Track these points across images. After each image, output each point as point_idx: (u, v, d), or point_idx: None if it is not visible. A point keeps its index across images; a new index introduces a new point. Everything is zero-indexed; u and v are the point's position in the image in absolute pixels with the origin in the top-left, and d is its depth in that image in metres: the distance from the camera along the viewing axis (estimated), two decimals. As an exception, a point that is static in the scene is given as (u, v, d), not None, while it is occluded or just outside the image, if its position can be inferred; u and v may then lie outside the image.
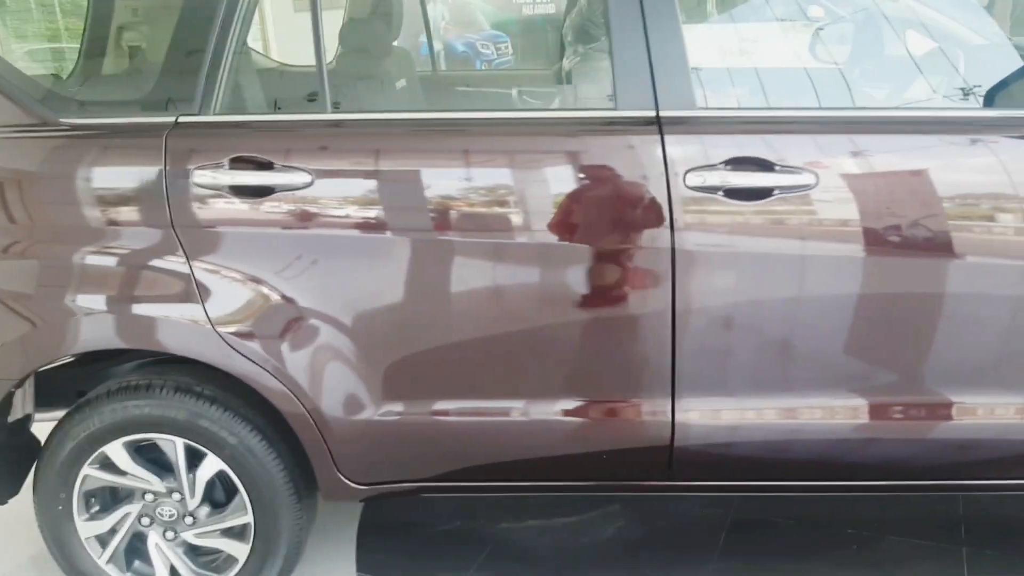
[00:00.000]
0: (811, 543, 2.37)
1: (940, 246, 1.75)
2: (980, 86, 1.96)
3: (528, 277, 1.85)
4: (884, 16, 2.39)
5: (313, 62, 1.91)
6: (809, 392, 1.87)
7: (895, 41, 2.42)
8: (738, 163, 1.76)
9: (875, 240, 1.76)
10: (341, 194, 1.84)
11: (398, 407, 1.93)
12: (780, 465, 1.96)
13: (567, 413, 1.91)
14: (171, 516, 2.07)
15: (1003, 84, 1.95)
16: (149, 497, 2.07)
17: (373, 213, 1.84)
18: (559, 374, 1.91)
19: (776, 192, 1.75)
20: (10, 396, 2.00)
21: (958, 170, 1.77)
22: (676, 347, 1.83)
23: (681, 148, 1.76)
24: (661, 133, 1.77)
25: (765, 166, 1.75)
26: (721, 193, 1.76)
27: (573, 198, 1.81)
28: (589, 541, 2.45)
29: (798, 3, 2.76)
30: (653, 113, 1.79)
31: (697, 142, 1.78)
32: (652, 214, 1.77)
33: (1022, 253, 1.77)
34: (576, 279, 1.83)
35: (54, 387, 2.18)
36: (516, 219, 1.81)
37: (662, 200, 1.76)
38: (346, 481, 2.00)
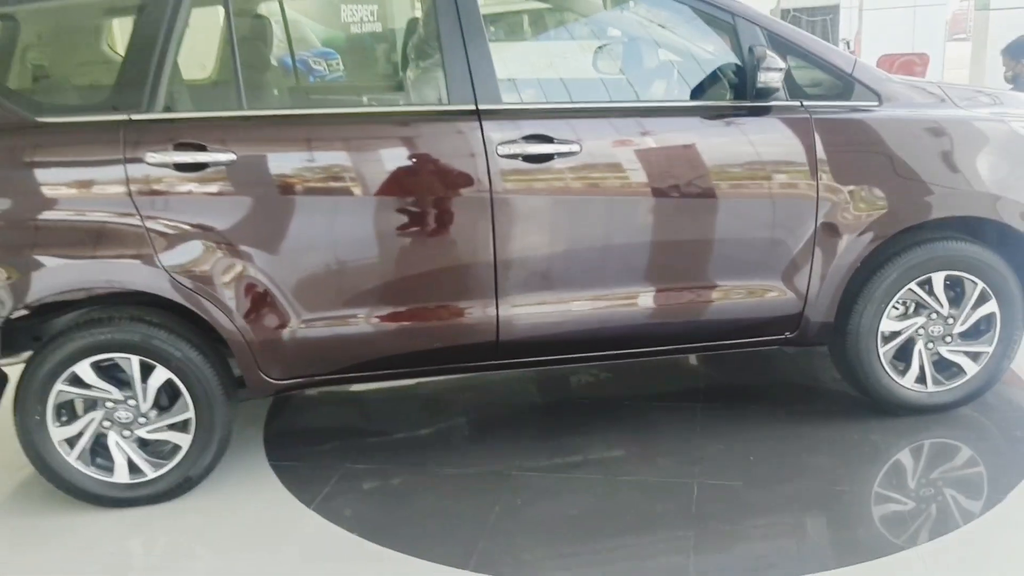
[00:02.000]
0: (597, 414, 3.33)
1: (666, 185, 2.75)
2: (688, 85, 2.99)
3: (389, 222, 2.68)
4: (641, 38, 3.39)
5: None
6: (583, 289, 2.81)
7: (648, 56, 3.44)
8: (530, 138, 2.67)
9: (622, 184, 2.73)
10: (257, 167, 2.60)
11: (301, 323, 2.70)
12: (572, 343, 2.88)
13: (418, 318, 2.76)
14: (127, 419, 2.73)
15: (701, 84, 2.97)
16: (109, 405, 2.72)
17: (279, 180, 2.61)
18: (411, 290, 2.74)
19: (555, 157, 2.68)
20: (4, 331, 2.60)
21: (670, 137, 2.78)
22: (497, 262, 2.72)
23: (494, 129, 2.66)
24: (480, 119, 2.66)
25: (547, 140, 2.68)
26: (521, 159, 2.67)
27: (422, 165, 2.66)
28: (442, 433, 3.32)
29: (585, 27, 3.74)
30: (474, 107, 2.67)
31: (504, 125, 2.68)
32: (477, 173, 2.65)
33: (700, 195, 2.78)
34: (426, 222, 2.68)
35: (10, 336, 2.77)
36: (381, 181, 2.64)
37: (482, 164, 2.65)
38: (266, 379, 2.75)
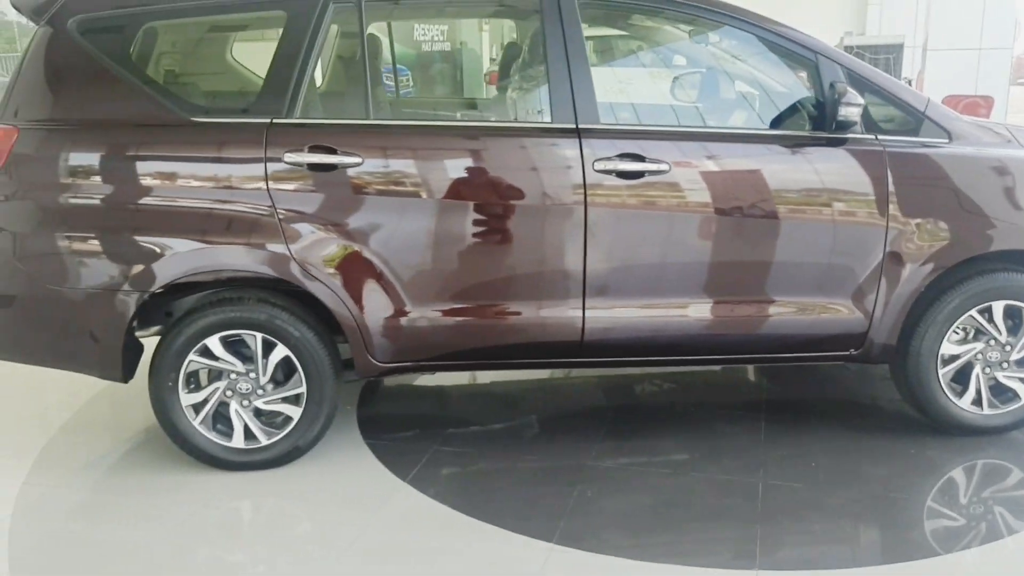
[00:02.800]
0: (667, 418, 3.57)
1: (747, 206, 3.00)
2: (765, 117, 3.24)
3: (493, 226, 2.96)
4: (720, 70, 3.65)
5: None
6: (665, 296, 3.06)
7: (727, 86, 3.70)
8: (624, 156, 2.95)
9: (706, 203, 2.99)
10: (381, 170, 2.91)
11: (411, 313, 2.99)
12: (653, 348, 3.14)
13: (514, 314, 3.03)
14: (247, 389, 3.05)
15: (781, 115, 3.23)
16: (233, 376, 3.04)
17: (398, 183, 2.92)
18: (510, 289, 3.02)
19: (646, 175, 2.95)
20: (144, 306, 2.93)
21: (752, 162, 3.03)
22: (587, 267, 2.99)
23: (591, 147, 2.94)
24: (579, 137, 2.94)
25: (639, 158, 2.95)
26: (614, 174, 2.94)
27: (526, 176, 2.95)
28: (523, 427, 3.58)
29: (662, 55, 4.01)
30: (575, 125, 2.96)
31: (600, 144, 2.96)
32: (574, 185, 2.93)
33: (777, 217, 3.02)
34: (525, 227, 2.96)
35: (145, 311, 3.10)
36: (488, 189, 2.94)
37: (579, 177, 2.93)
38: (374, 362, 3.04)
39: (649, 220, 3.00)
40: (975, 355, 3.19)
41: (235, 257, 2.92)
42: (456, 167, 2.97)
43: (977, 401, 3.23)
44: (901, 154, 3.05)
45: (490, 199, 2.94)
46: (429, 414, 3.76)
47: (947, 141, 3.08)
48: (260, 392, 3.06)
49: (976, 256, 3.08)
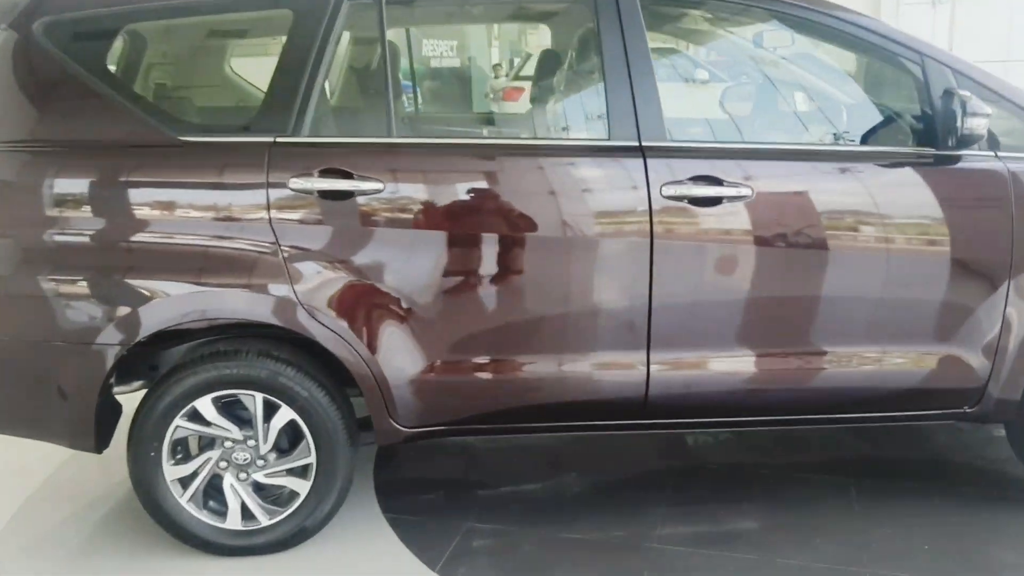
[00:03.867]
0: (738, 483, 3.05)
1: (842, 237, 2.50)
2: (849, 131, 2.75)
3: (537, 263, 2.46)
4: (804, 77, 3.16)
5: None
6: (746, 346, 2.55)
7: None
8: (698, 179, 2.45)
9: (795, 234, 2.48)
10: (405, 197, 2.42)
11: (441, 366, 2.49)
12: (729, 405, 2.62)
13: (564, 366, 2.52)
14: (245, 460, 2.54)
15: (872, 130, 2.73)
16: (228, 445, 2.53)
17: (426, 213, 2.42)
18: (559, 337, 2.52)
19: (724, 201, 2.45)
20: (119, 362, 2.43)
21: (848, 185, 2.53)
22: (652, 311, 2.48)
23: (658, 168, 2.44)
24: (644, 157, 2.44)
25: (716, 182, 2.45)
26: (687, 201, 2.45)
27: (577, 202, 2.45)
28: (567, 491, 3.06)
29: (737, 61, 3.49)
30: (637, 143, 2.46)
31: (669, 164, 2.46)
32: (637, 213, 2.44)
33: (877, 250, 2.52)
34: (576, 263, 2.47)
35: (126, 364, 2.61)
36: (531, 217, 2.44)
37: (643, 203, 2.44)
38: (397, 425, 2.54)
39: (728, 255, 2.50)
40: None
41: (232, 301, 2.42)
42: (494, 192, 2.47)
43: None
44: (1027, 173, 2.55)
45: (537, 231, 2.44)
46: (456, 476, 3.23)
47: (1080, 158, 2.58)
48: (260, 463, 2.55)
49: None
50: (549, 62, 3.45)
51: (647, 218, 2.45)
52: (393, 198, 2.41)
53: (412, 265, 2.44)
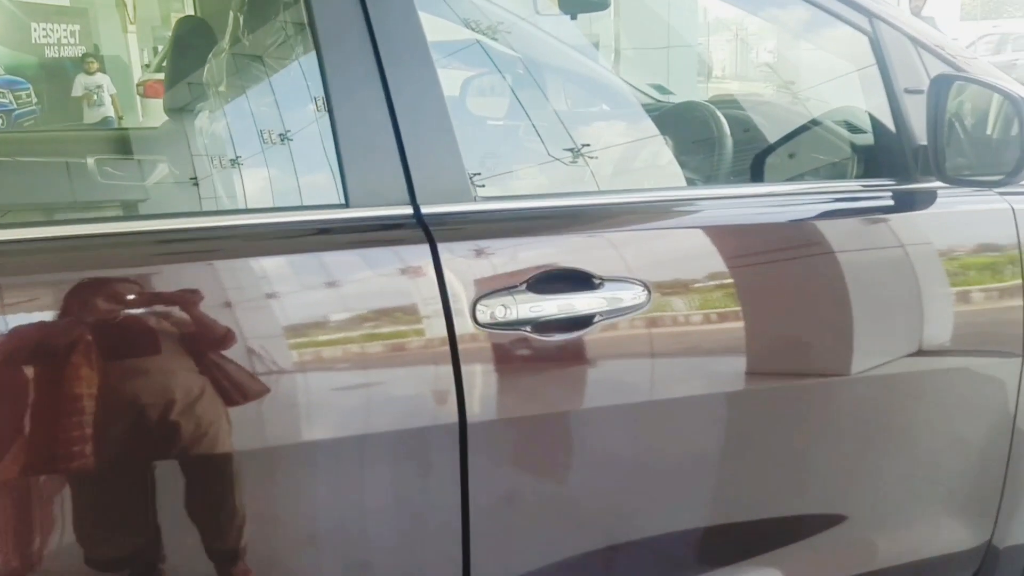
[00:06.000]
0: None
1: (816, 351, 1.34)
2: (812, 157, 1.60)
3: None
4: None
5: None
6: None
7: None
8: (543, 281, 1.15)
9: (738, 362, 1.27)
10: None
11: None
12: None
13: None
14: None
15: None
16: None
17: None
18: None
19: (597, 319, 1.17)
20: None
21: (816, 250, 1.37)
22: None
23: (458, 265, 1.11)
24: (428, 233, 1.09)
25: (579, 281, 1.17)
26: (525, 328, 1.13)
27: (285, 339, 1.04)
28: None
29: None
30: (412, 211, 1.10)
31: (481, 256, 1.13)
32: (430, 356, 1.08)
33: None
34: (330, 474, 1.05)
35: None
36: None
37: (439, 338, 1.09)
38: None
39: (611, 428, 1.22)
40: None
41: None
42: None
43: None
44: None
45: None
46: None
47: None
48: None
49: None
50: (193, 40, 1.87)
51: (450, 372, 1.10)
52: None
53: None
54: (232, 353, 0.99)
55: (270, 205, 1.34)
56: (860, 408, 1.39)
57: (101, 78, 8.04)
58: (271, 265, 1.04)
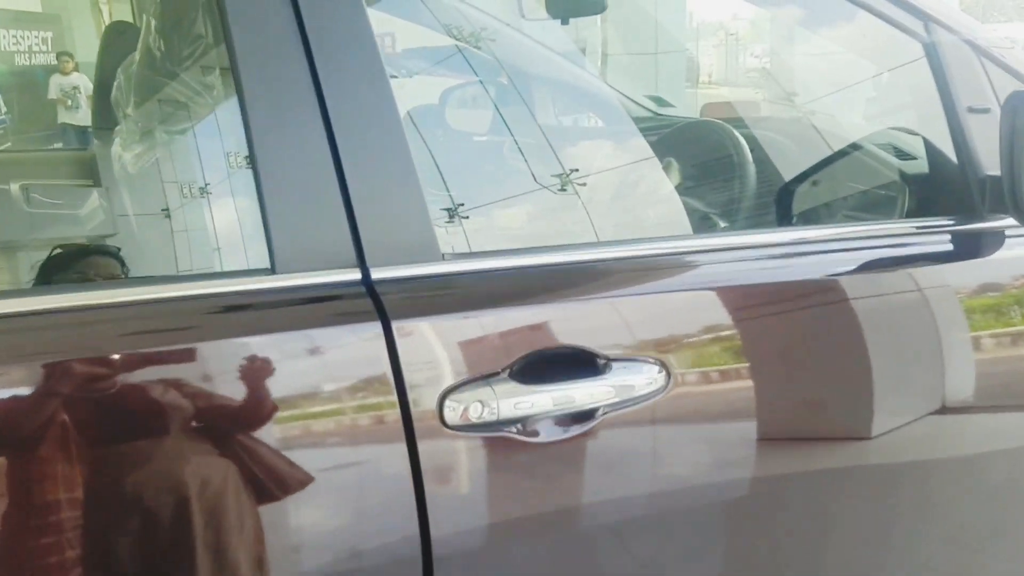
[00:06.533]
0: None
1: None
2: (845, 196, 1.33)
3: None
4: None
5: None
6: None
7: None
8: (534, 365, 0.88)
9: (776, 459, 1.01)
10: None
11: None
12: None
13: None
14: None
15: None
16: None
17: None
18: None
19: (600, 413, 0.91)
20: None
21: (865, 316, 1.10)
22: None
23: (418, 348, 0.84)
24: (383, 317, 0.82)
25: (581, 362, 0.90)
26: (511, 429, 0.86)
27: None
28: None
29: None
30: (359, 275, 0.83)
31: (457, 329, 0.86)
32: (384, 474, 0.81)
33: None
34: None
35: None
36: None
37: (396, 448, 0.81)
38: None
39: (621, 553, 0.96)
40: None
41: None
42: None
43: None
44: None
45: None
46: None
47: None
48: None
49: None
50: (114, 51, 1.58)
51: (410, 492, 0.83)
52: None
53: None
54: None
55: (172, 273, 1.07)
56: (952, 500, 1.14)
57: (78, 78, 7.66)
58: (162, 358, 0.77)
